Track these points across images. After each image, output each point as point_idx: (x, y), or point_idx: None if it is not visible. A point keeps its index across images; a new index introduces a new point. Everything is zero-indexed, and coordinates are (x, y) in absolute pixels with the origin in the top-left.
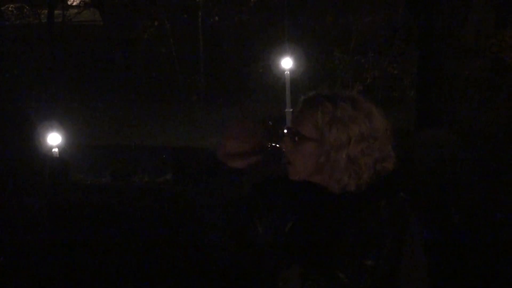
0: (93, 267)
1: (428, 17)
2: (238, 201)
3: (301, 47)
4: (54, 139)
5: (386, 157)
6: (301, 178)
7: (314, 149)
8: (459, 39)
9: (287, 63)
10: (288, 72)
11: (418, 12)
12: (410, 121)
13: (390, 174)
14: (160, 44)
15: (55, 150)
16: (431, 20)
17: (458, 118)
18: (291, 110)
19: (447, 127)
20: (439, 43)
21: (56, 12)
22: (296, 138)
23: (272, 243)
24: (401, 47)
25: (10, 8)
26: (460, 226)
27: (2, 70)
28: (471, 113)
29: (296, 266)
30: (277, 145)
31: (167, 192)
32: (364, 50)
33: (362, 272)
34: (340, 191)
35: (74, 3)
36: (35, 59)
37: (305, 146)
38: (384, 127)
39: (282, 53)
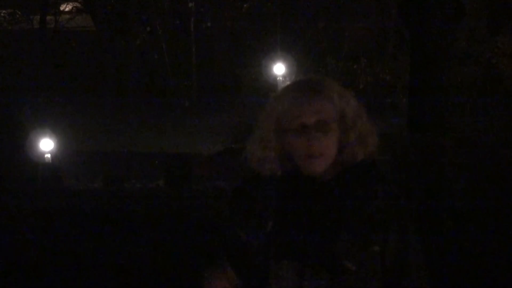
0: (85, 271)
1: (420, 23)
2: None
3: (293, 53)
4: (46, 145)
5: (373, 128)
6: (324, 169)
7: (338, 129)
8: (451, 46)
9: (279, 69)
10: (281, 78)
11: (410, 18)
12: (402, 127)
13: (374, 159)
14: (152, 50)
15: (48, 155)
16: (423, 26)
17: (450, 124)
18: None
19: (439, 133)
20: (431, 49)
21: (48, 17)
22: (324, 128)
23: (255, 245)
24: (393, 53)
25: (2, 14)
26: (451, 231)
27: None
28: (463, 119)
29: (288, 261)
30: None
31: (159, 197)
32: (356, 56)
33: (370, 259)
34: (348, 164)
35: (67, 9)
36: (28, 64)
37: (333, 132)
38: None
39: (274, 59)
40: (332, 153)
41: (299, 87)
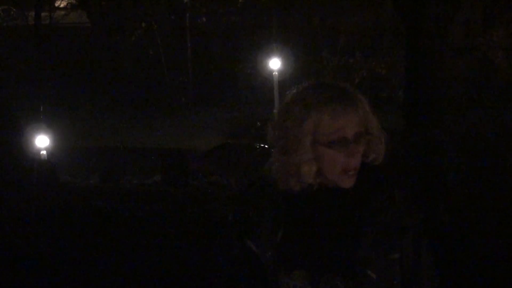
0: (81, 267)
1: (416, 16)
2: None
3: (289, 48)
4: (42, 142)
5: (384, 136)
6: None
7: (366, 142)
8: (447, 39)
9: (275, 64)
10: (276, 73)
11: (405, 12)
12: (398, 121)
13: (387, 165)
14: (147, 45)
15: (44, 152)
16: (419, 20)
17: (446, 117)
18: None
19: (435, 127)
20: (427, 43)
21: (43, 14)
22: (363, 139)
23: (265, 256)
24: (389, 47)
25: None
26: (448, 225)
27: None
28: (459, 113)
29: (300, 271)
30: (266, 146)
31: (155, 193)
32: (352, 50)
33: (390, 267)
34: (365, 172)
35: (61, 5)
36: (23, 61)
37: (364, 143)
38: None
39: (270, 54)
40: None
41: (335, 97)
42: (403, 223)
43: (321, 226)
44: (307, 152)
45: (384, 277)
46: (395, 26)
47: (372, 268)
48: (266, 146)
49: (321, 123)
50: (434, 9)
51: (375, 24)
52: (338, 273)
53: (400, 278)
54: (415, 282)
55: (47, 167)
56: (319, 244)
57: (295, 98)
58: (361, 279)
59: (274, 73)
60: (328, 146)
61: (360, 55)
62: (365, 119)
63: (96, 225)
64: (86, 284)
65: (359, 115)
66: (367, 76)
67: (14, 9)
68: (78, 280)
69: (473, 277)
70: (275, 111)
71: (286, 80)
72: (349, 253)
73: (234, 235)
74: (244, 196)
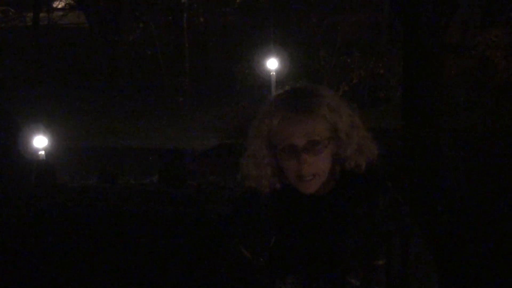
0: (79, 268)
1: (413, 16)
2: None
3: (287, 48)
4: (40, 142)
5: (369, 136)
6: (318, 187)
7: (333, 146)
8: (445, 38)
9: (272, 64)
10: (274, 73)
11: (403, 11)
12: (396, 120)
13: (374, 167)
14: (145, 46)
15: (42, 152)
16: (416, 20)
17: (444, 117)
18: None
19: (433, 126)
20: (425, 42)
21: (41, 15)
22: (318, 148)
23: (258, 261)
24: (387, 47)
25: None
26: (446, 223)
27: None
28: (457, 112)
29: (293, 277)
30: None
31: (153, 193)
32: (350, 50)
33: (374, 273)
34: (340, 179)
35: (59, 6)
36: (21, 62)
37: (327, 149)
38: None
39: (267, 54)
40: (325, 171)
41: (290, 104)
42: (388, 229)
43: (306, 232)
44: (265, 157)
45: (368, 283)
46: (393, 25)
47: (354, 275)
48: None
49: (273, 129)
50: (431, 9)
51: (373, 23)
52: (327, 281)
53: (385, 285)
54: (403, 286)
55: (45, 167)
56: (308, 249)
57: (265, 104)
58: (344, 286)
59: (271, 73)
60: (280, 152)
61: (358, 54)
62: (330, 125)
63: (94, 225)
64: (84, 284)
65: (315, 124)
66: (365, 76)
67: (12, 10)
68: (76, 280)
69: (473, 277)
70: None
71: (283, 80)
72: (332, 260)
73: (225, 240)
74: (237, 200)
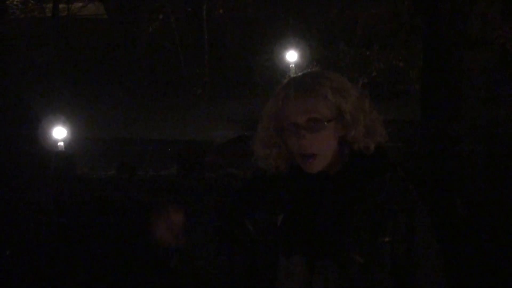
0: (98, 261)
1: (433, 9)
2: (225, 204)
3: (306, 40)
4: (59, 133)
5: (379, 119)
6: (322, 167)
7: (336, 127)
8: (464, 31)
9: (292, 56)
10: (293, 65)
11: (423, 4)
12: (415, 114)
13: (382, 149)
14: (164, 37)
15: (61, 144)
16: (436, 12)
17: (464, 110)
18: None
19: (452, 120)
20: (445, 35)
21: (61, 6)
22: (316, 127)
23: (265, 239)
24: (406, 40)
25: (14, 2)
26: (465, 219)
27: (7, 65)
28: (477, 105)
29: (299, 256)
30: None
31: (172, 185)
32: (369, 42)
33: (379, 250)
34: (349, 160)
35: None
36: (40, 53)
37: (328, 129)
38: None
39: (287, 47)
40: (328, 151)
41: (292, 85)
42: (394, 207)
43: (314, 212)
44: (272, 137)
45: (372, 261)
46: (413, 18)
47: (359, 252)
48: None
49: (277, 108)
50: (451, 1)
51: (393, 16)
52: (332, 259)
53: (390, 262)
54: (413, 267)
55: (64, 158)
56: (315, 229)
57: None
58: (348, 263)
59: (291, 65)
60: (283, 131)
61: (377, 47)
62: (333, 106)
63: (113, 217)
64: (102, 275)
65: (316, 102)
66: (384, 69)
67: (32, 1)
68: (95, 271)
69: (490, 272)
70: None
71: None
72: (337, 238)
73: (231, 214)
74: (245, 179)
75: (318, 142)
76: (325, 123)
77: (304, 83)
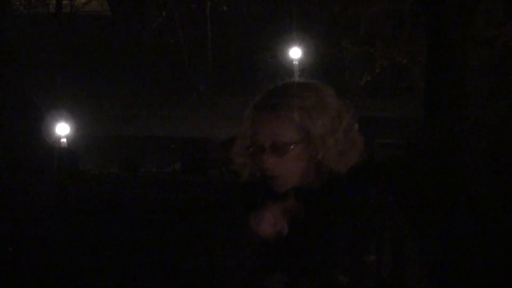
0: (100, 256)
1: (437, 5)
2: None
3: (310, 37)
4: (62, 129)
5: (358, 140)
6: (289, 187)
7: (303, 149)
8: (468, 29)
9: (295, 53)
10: (297, 62)
11: (427, 1)
12: (418, 111)
13: (366, 163)
14: (168, 34)
15: (64, 140)
16: (441, 9)
17: (468, 108)
18: None
19: (456, 117)
20: (448, 32)
21: (64, 2)
22: (280, 150)
23: (243, 255)
24: (410, 37)
25: None
26: (468, 215)
27: (10, 60)
28: (480, 103)
29: (279, 275)
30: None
31: (175, 182)
32: (373, 40)
33: (365, 270)
34: (327, 179)
35: None
36: (43, 49)
37: (294, 152)
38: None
39: (290, 43)
40: (294, 173)
41: (261, 103)
42: (379, 225)
43: (293, 228)
44: (247, 147)
45: (357, 280)
46: (416, 15)
47: (344, 271)
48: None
49: (246, 128)
50: None
51: (396, 13)
52: (314, 278)
53: (375, 281)
54: (396, 285)
55: (67, 155)
56: (295, 246)
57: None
58: (331, 283)
59: (294, 62)
60: (250, 150)
61: (381, 44)
62: (300, 127)
63: (116, 213)
64: (106, 271)
65: (281, 125)
66: (387, 66)
67: None
68: (97, 267)
69: (494, 271)
70: None
71: (306, 69)
72: (322, 257)
73: (212, 229)
74: (228, 190)
75: (282, 165)
76: (290, 146)
77: (270, 104)
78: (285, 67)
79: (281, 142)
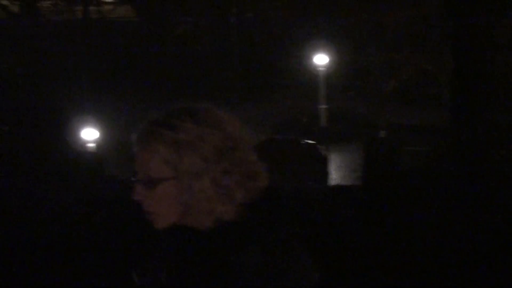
0: (123, 261)
1: (465, 13)
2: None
3: (335, 43)
4: (90, 134)
5: (256, 172)
6: (169, 224)
7: (173, 187)
8: (495, 35)
9: (321, 59)
10: (322, 69)
11: (454, 8)
12: (445, 118)
13: (265, 195)
14: (193, 40)
15: (91, 145)
16: (468, 16)
17: (494, 114)
18: (324, 106)
19: (483, 124)
20: (475, 39)
21: (91, 8)
22: (149, 184)
23: None
24: (436, 43)
25: (45, 4)
26: (495, 225)
27: (39, 66)
28: (507, 110)
29: None
30: (311, 142)
31: None
32: (399, 46)
33: None
34: (214, 224)
35: (109, 0)
36: (71, 54)
37: (162, 189)
38: (242, 134)
39: (316, 50)
40: (167, 211)
41: (139, 134)
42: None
43: (190, 270)
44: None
45: None
46: (443, 21)
47: None
48: (311, 142)
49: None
50: (482, 5)
51: (423, 20)
52: None
53: None
54: None
55: (94, 160)
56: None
57: None
58: None
59: (320, 69)
60: (132, 179)
61: (407, 51)
62: (170, 164)
63: (142, 218)
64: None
65: (149, 158)
66: (414, 73)
67: (62, 3)
68: (121, 270)
69: None
70: (320, 107)
71: (331, 75)
72: None
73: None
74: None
75: (152, 200)
76: (160, 182)
77: (142, 135)
78: (311, 73)
79: (150, 176)
